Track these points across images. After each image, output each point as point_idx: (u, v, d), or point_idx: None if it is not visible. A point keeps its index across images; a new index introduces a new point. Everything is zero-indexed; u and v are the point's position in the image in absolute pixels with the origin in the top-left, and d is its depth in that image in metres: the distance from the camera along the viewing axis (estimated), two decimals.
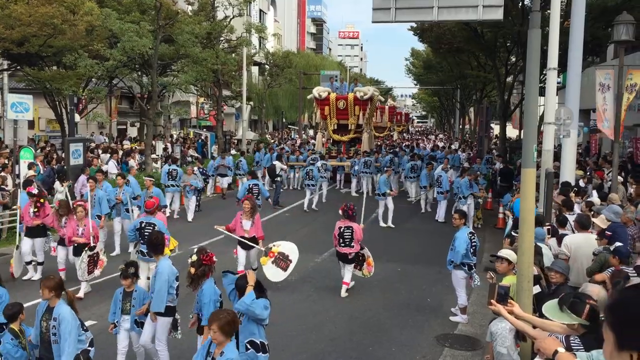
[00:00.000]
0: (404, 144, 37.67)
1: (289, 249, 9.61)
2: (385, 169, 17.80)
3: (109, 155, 20.92)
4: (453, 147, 33.25)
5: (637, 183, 13.13)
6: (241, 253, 10.23)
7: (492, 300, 4.43)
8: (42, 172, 16.72)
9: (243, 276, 5.80)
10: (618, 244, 6.84)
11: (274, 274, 9.51)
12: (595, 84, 13.29)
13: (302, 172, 20.31)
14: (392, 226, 16.00)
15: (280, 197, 19.04)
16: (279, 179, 19.50)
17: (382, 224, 16.10)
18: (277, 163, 20.09)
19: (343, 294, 9.96)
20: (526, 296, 5.78)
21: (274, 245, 9.63)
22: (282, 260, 9.48)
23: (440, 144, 39.22)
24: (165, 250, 9.36)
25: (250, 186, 14.68)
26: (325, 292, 10.21)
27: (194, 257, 6.17)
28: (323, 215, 17.44)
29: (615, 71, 12.38)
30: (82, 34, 18.43)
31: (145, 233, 9.23)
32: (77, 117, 20.45)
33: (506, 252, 6.59)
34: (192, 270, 6.16)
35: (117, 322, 6.65)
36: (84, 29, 18.38)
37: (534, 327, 4.30)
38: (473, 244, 8.84)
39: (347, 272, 10.10)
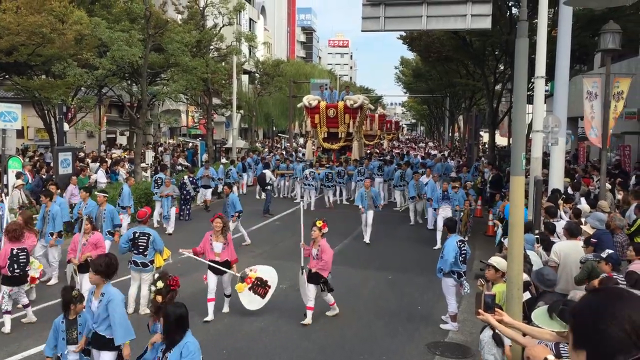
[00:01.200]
0: (393, 152, 37.73)
1: (268, 273, 8.95)
2: (364, 178, 16.86)
3: (98, 164, 20.83)
4: (444, 154, 33.35)
5: (624, 190, 13.26)
6: (212, 279, 9.16)
7: (479, 310, 4.45)
8: (30, 181, 16.61)
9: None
10: (609, 251, 6.90)
11: (250, 301, 8.82)
12: (582, 92, 13.42)
13: (321, 175, 21.01)
14: (368, 242, 15.04)
15: (271, 205, 19.02)
16: (269, 187, 19.48)
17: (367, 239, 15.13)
18: (267, 172, 20.09)
19: (332, 313, 9.35)
20: (516, 303, 5.80)
21: (250, 270, 8.92)
22: (259, 287, 8.80)
23: (433, 152, 39.29)
24: (159, 259, 9.36)
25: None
26: (316, 301, 10.16)
27: (160, 284, 5.53)
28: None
29: (602, 79, 12.51)
30: (71, 42, 18.37)
31: (139, 243, 9.20)
32: (66, 126, 20.32)
33: (494, 259, 6.61)
34: (160, 298, 5.48)
35: (61, 355, 5.83)
36: (73, 38, 18.33)
37: (524, 334, 4.32)
38: (463, 252, 8.87)
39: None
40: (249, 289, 8.77)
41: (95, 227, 9.35)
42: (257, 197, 22.08)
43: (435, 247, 14.13)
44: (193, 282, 10.36)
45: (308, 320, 8.94)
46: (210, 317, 9.01)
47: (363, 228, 15.34)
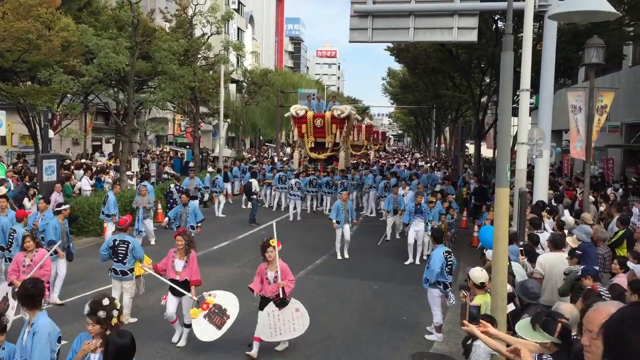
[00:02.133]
0: (380, 162, 37.83)
1: (228, 300, 7.74)
2: (340, 192, 15.80)
3: (82, 171, 20.67)
4: (431, 165, 33.47)
5: (606, 202, 13.40)
6: (171, 301, 8.22)
7: (464, 321, 4.47)
8: (12, 188, 16.42)
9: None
10: (582, 266, 7.00)
11: (204, 330, 7.57)
12: (566, 105, 13.58)
13: (305, 181, 21.14)
14: (347, 256, 14.49)
15: (257, 214, 18.98)
16: (254, 196, 19.41)
17: (339, 256, 14.41)
18: (253, 181, 20.04)
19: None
20: (500, 314, 5.83)
21: (209, 295, 7.74)
22: (217, 315, 7.56)
23: (420, 163, 39.40)
24: (139, 268, 9.27)
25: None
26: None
27: (118, 303, 4.75)
28: (299, 233, 17.42)
29: (586, 93, 12.66)
30: (58, 49, 18.26)
31: (119, 251, 9.14)
32: (51, 133, 20.16)
33: (472, 270, 6.62)
34: (122, 317, 4.80)
35: None
36: (59, 45, 18.22)
37: (508, 345, 4.34)
38: (449, 262, 8.90)
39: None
40: (205, 316, 7.57)
41: (39, 244, 8.49)
42: (243, 206, 22.04)
43: (407, 263, 13.91)
44: (218, 280, 10.30)
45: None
46: (176, 338, 8.37)
47: (337, 244, 14.44)
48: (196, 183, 19.67)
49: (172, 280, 8.17)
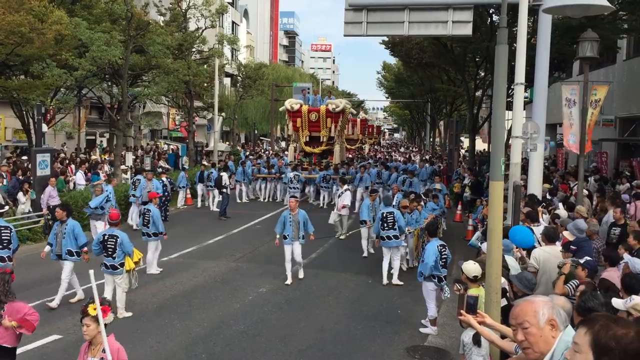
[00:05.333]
0: (377, 156, 37.86)
1: None
2: (291, 198, 12.67)
3: (75, 166, 20.60)
4: (426, 159, 33.47)
5: (601, 196, 13.43)
6: None
7: (461, 311, 4.47)
8: (4, 183, 16.36)
9: None
10: (588, 258, 6.98)
11: None
12: (561, 98, 13.59)
13: (319, 177, 21.73)
14: (302, 276, 11.84)
15: (227, 207, 19.03)
16: (224, 190, 19.36)
17: (289, 279, 11.38)
18: (223, 175, 19.97)
19: None
20: (494, 308, 5.84)
21: None
22: None
23: (415, 157, 39.41)
24: (129, 262, 9.29)
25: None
26: (296, 304, 10.17)
27: None
28: None
29: (580, 87, 12.67)
30: (51, 43, 18.11)
31: (108, 246, 9.22)
32: (44, 127, 20.07)
33: (465, 264, 6.62)
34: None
35: None
36: (52, 38, 18.07)
37: (503, 337, 4.35)
38: (443, 256, 8.93)
39: None
40: None
41: None
42: (238, 200, 22.03)
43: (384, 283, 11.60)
44: (172, 286, 10.32)
45: None
46: None
47: (286, 265, 11.40)
48: (152, 186, 16.64)
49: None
